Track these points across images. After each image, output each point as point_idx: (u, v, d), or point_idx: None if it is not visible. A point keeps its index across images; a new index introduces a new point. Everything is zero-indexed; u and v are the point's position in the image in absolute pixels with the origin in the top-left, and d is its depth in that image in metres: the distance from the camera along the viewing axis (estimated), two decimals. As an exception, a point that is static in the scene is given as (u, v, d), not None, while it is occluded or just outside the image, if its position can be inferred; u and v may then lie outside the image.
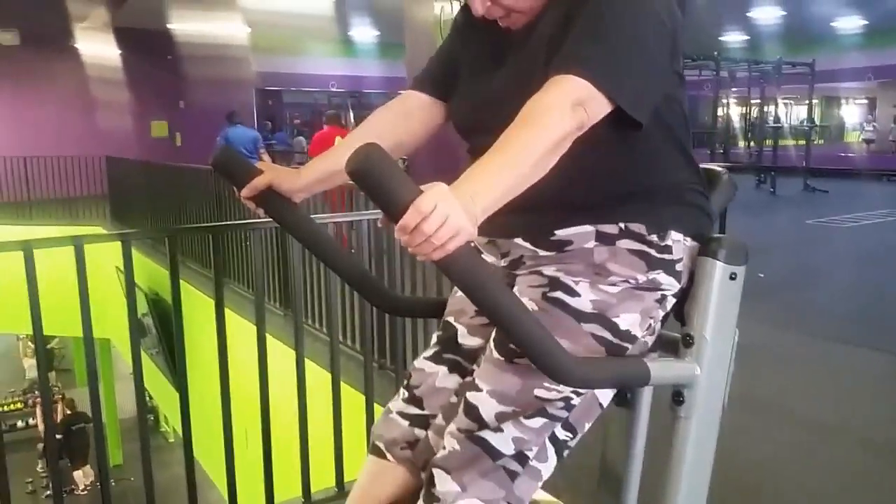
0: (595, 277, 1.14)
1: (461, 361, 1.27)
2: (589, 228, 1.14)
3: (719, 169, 1.37)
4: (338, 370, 2.66)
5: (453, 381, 1.26)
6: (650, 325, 1.17)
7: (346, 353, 3.62)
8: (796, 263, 6.92)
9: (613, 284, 1.14)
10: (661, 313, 1.18)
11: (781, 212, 11.53)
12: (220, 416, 2.43)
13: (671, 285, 1.16)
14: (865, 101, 24.50)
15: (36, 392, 11.35)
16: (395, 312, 2.37)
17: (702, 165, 1.28)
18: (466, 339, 1.28)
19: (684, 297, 1.18)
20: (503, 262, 1.23)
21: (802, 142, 15.22)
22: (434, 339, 1.34)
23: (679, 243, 1.16)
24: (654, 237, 1.14)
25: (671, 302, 1.18)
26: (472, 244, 0.97)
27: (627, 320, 1.14)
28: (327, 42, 17.38)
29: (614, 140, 1.11)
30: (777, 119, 16.12)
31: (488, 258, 1.27)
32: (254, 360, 2.46)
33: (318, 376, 2.90)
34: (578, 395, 1.13)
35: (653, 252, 1.14)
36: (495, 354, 1.15)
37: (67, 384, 12.51)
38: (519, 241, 1.19)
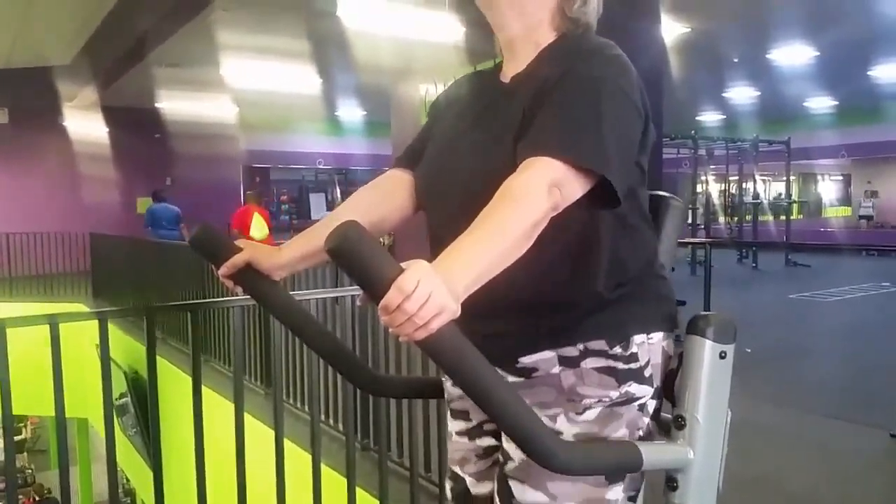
0: (568, 405, 1.12)
1: None
2: (550, 354, 1.13)
3: (666, 195, 1.35)
4: (318, 451, 2.58)
5: None
6: (639, 435, 1.15)
7: (328, 434, 3.53)
8: (783, 338, 6.91)
9: (589, 408, 1.12)
10: (647, 419, 1.16)
11: (765, 286, 11.61)
12: (196, 496, 2.33)
13: (645, 393, 1.15)
14: (841, 178, 25.12)
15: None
16: (378, 393, 2.31)
17: (651, 192, 1.27)
18: (477, 488, 1.29)
19: (673, 376, 1.16)
20: None
21: (782, 217, 15.48)
22: (448, 492, 1.35)
23: (643, 345, 1.14)
24: (617, 349, 1.12)
25: (653, 404, 1.16)
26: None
27: (618, 438, 1.13)
28: (315, 121, 17.70)
29: (573, 242, 1.11)
30: (756, 195, 16.42)
31: None
32: (232, 439, 2.38)
33: (298, 457, 2.81)
34: None
35: (619, 364, 1.12)
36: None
37: (41, 466, 12.09)
38: None
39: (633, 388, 1.13)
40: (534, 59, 1.19)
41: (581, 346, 1.12)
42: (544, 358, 1.13)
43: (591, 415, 1.12)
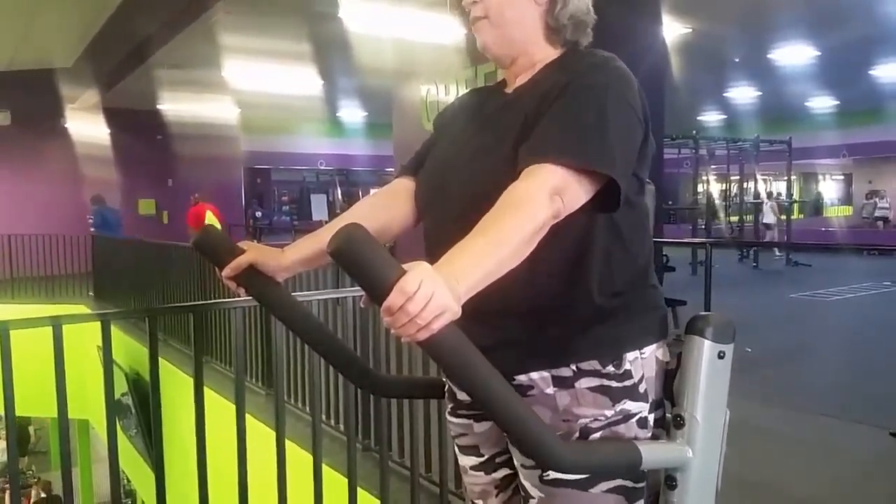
0: (564, 426, 1.13)
1: None
2: (544, 374, 1.14)
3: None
4: (320, 451, 2.59)
5: None
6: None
7: (329, 434, 3.53)
8: (783, 338, 6.91)
9: (589, 431, 1.13)
10: (647, 431, 1.17)
11: (766, 286, 11.60)
12: (198, 497, 2.34)
13: (641, 408, 1.15)
14: (842, 177, 25.11)
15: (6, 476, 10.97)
16: (379, 393, 2.32)
17: None
18: None
19: (673, 376, 1.17)
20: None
21: (783, 216, 15.49)
22: None
23: (636, 361, 1.15)
24: (609, 368, 1.13)
25: (652, 417, 1.17)
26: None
27: None
28: (316, 122, 17.73)
29: (568, 259, 1.12)
30: (757, 195, 16.42)
31: (464, 397, 1.28)
32: (233, 440, 2.39)
33: (299, 458, 2.82)
34: None
35: (613, 384, 1.13)
36: None
37: (43, 468, 12.11)
38: None
39: (629, 405, 1.14)
40: (538, 71, 1.22)
41: (574, 367, 1.13)
42: (539, 377, 1.14)
43: (593, 437, 1.13)
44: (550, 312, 1.14)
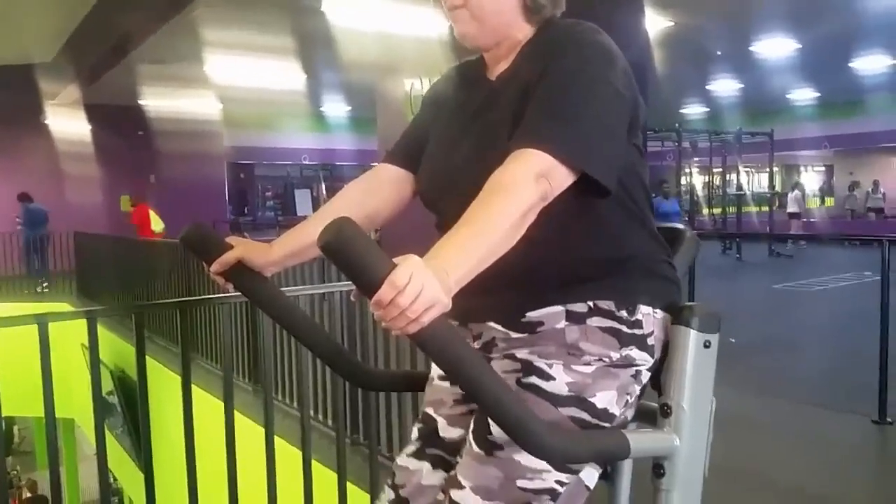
0: (569, 358, 1.13)
1: (444, 456, 1.25)
2: (558, 308, 1.14)
3: (681, 227, 1.39)
4: (309, 447, 2.59)
5: (438, 477, 1.24)
6: (627, 400, 1.16)
7: (318, 430, 3.54)
8: (767, 328, 6.98)
9: (588, 364, 1.13)
10: (638, 388, 1.17)
11: (749, 277, 11.71)
12: (187, 496, 2.33)
13: (645, 360, 1.16)
14: (823, 169, 25.32)
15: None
16: (368, 387, 2.31)
17: (664, 224, 1.29)
18: (447, 432, 1.26)
19: (660, 366, 1.18)
20: (476, 345, 1.22)
21: (765, 208, 15.59)
22: (415, 433, 1.31)
23: (649, 316, 1.16)
24: (623, 313, 1.14)
25: (646, 376, 1.18)
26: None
27: (604, 399, 1.13)
28: (299, 117, 17.64)
29: (578, 216, 1.12)
30: (739, 187, 16.54)
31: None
32: (222, 437, 2.39)
33: (288, 454, 2.82)
34: (563, 484, 1.11)
35: (624, 328, 1.14)
36: (475, 448, 1.13)
37: (28, 467, 12.02)
38: (491, 323, 1.18)
39: (634, 352, 1.14)
40: (517, 54, 1.21)
41: (591, 303, 1.13)
42: (552, 312, 1.14)
43: (588, 368, 1.12)
44: (569, 267, 1.15)
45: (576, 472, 1.12)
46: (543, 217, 1.02)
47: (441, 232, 1.13)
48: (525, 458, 1.08)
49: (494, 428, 1.10)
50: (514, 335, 1.16)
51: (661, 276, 1.21)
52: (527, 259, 1.04)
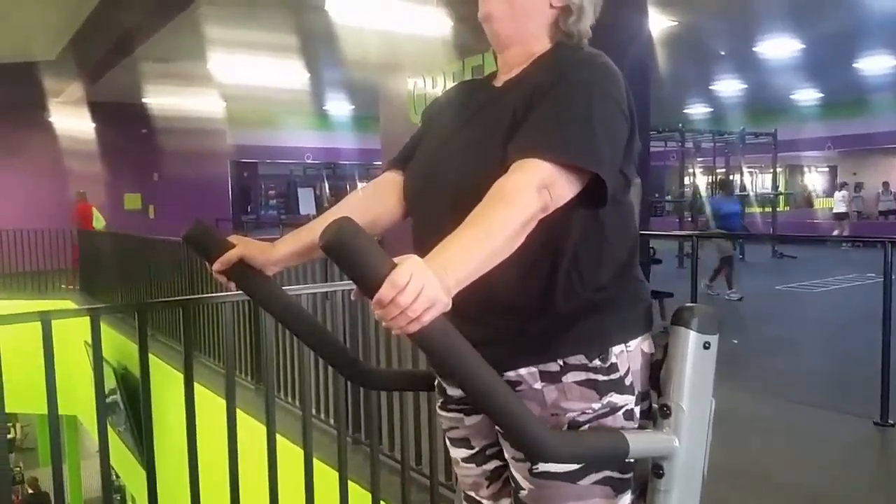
0: (553, 419, 1.15)
1: None
2: (532, 370, 1.15)
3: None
4: (310, 445, 2.60)
5: None
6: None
7: (319, 428, 3.54)
8: (769, 329, 6.97)
9: (576, 424, 1.15)
10: (634, 424, 1.18)
11: (752, 278, 11.65)
12: (189, 493, 2.34)
13: (627, 401, 1.17)
14: (826, 169, 25.27)
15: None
16: (369, 386, 2.32)
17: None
18: None
19: (659, 366, 1.18)
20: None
21: (769, 209, 15.55)
22: None
23: (622, 354, 1.17)
24: (596, 362, 1.15)
25: (638, 409, 1.19)
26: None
27: None
28: (303, 115, 17.64)
29: (547, 251, 1.13)
30: (742, 187, 16.50)
31: (454, 392, 1.28)
32: (224, 435, 2.39)
33: (289, 452, 2.83)
34: None
35: (600, 377, 1.15)
36: None
37: (30, 464, 12.05)
38: None
39: (615, 398, 1.16)
40: (528, 65, 1.23)
41: (561, 362, 1.14)
42: (527, 373, 1.16)
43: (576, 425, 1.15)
44: (534, 308, 1.15)
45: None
46: (510, 259, 1.01)
47: (416, 229, 1.14)
48: (555, 492, 1.14)
49: (523, 482, 1.17)
50: None
51: (631, 300, 1.21)
52: (499, 299, 1.07)
